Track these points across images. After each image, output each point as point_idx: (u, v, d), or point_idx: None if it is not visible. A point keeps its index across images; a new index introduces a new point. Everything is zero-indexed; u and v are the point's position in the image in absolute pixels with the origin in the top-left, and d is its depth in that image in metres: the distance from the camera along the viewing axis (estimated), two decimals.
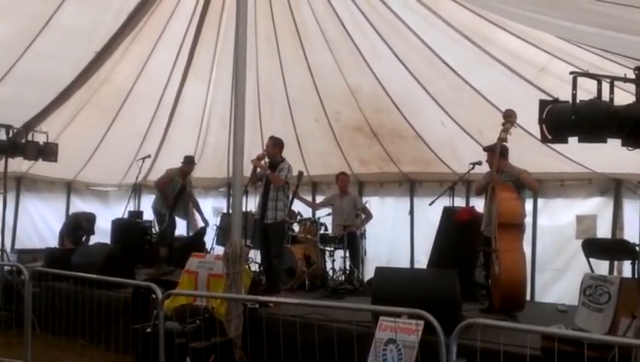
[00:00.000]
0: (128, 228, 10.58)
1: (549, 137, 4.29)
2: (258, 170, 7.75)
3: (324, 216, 9.52)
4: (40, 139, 8.72)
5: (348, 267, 8.71)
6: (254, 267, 9.02)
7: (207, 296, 6.29)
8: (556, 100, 4.34)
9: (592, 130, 3.98)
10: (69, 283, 7.10)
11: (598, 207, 8.27)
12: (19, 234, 10.92)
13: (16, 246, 10.55)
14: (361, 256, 8.98)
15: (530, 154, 7.57)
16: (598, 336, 4.12)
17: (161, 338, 4.87)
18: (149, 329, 5.34)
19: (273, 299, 6.46)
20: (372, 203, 9.64)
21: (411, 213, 9.93)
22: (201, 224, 10.72)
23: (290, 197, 8.33)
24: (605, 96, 3.96)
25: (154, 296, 5.12)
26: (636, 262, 5.63)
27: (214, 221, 10.83)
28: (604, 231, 8.02)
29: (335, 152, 10.41)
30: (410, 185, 10.24)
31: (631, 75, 3.98)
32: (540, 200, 8.75)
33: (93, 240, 10.60)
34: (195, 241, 10.52)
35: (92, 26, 7.87)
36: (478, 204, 7.52)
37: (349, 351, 4.63)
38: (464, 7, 6.83)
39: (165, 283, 7.13)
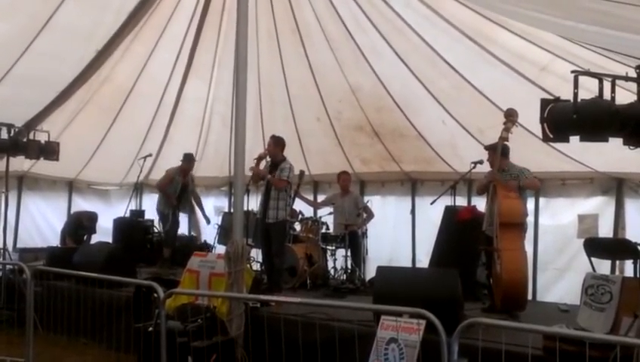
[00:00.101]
0: (130, 227, 10.60)
1: (551, 136, 4.28)
2: (261, 167, 7.76)
3: (326, 215, 9.52)
4: (41, 138, 8.74)
5: (349, 266, 8.72)
6: (256, 266, 9.04)
7: (209, 295, 6.29)
8: (558, 99, 4.33)
9: (594, 129, 3.97)
10: (70, 282, 7.09)
11: (599, 206, 8.27)
12: (21, 233, 10.92)
13: (18, 245, 10.56)
14: (362, 255, 8.98)
15: (531, 153, 7.57)
16: (600, 336, 4.11)
17: (162, 337, 4.86)
18: (150, 328, 5.34)
19: (275, 298, 6.48)
20: (373, 202, 9.66)
21: (413, 212, 9.92)
22: (202, 222, 10.70)
23: (292, 196, 8.33)
24: (607, 95, 3.95)
25: (155, 295, 5.11)
26: (638, 261, 5.61)
27: (216, 220, 10.83)
28: (605, 230, 8.01)
29: (336, 151, 10.41)
30: (412, 185, 10.24)
31: (632, 73, 3.97)
32: (541, 200, 8.75)
33: (95, 239, 10.61)
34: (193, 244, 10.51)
35: (92, 25, 7.88)
36: (480, 203, 7.52)
37: (351, 350, 4.62)
38: (465, 6, 6.82)
39: (167, 282, 7.14)
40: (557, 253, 8.50)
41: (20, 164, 9.97)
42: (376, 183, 10.69)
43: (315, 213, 10.10)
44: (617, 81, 3.99)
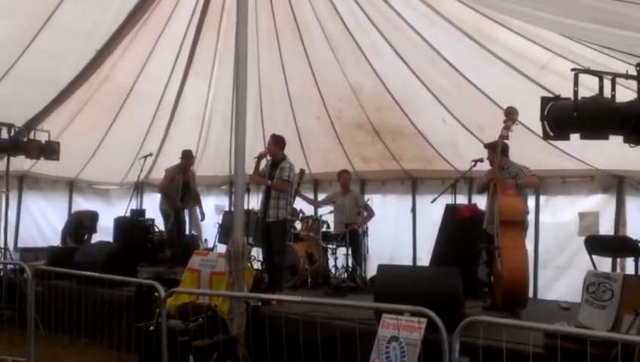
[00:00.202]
0: (131, 227, 10.60)
1: (551, 134, 4.29)
2: (261, 167, 7.76)
3: (326, 213, 9.52)
4: (42, 137, 8.74)
5: (350, 265, 8.72)
6: (257, 265, 9.03)
7: (210, 294, 6.30)
8: (558, 97, 4.34)
9: (594, 126, 3.98)
10: (71, 282, 7.10)
11: (600, 203, 8.27)
12: (21, 233, 10.94)
13: (19, 245, 10.57)
14: (363, 254, 8.98)
15: (531, 151, 7.57)
16: (601, 333, 4.10)
17: (163, 336, 4.87)
18: (151, 328, 5.35)
19: (276, 296, 6.48)
20: (374, 200, 9.67)
21: (413, 210, 9.93)
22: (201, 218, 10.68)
23: (293, 195, 8.33)
24: (607, 93, 3.96)
25: (156, 294, 5.12)
26: (639, 259, 5.62)
27: (216, 219, 10.83)
28: (606, 228, 8.01)
29: (337, 150, 10.41)
30: (412, 183, 10.24)
31: (633, 71, 3.98)
32: (542, 198, 8.75)
33: (96, 238, 10.60)
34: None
35: (92, 24, 7.88)
36: (481, 202, 7.52)
37: (352, 348, 4.63)
38: (465, 5, 6.82)
39: (168, 281, 7.14)
40: (558, 251, 8.50)
41: (20, 163, 9.98)
42: (377, 182, 10.69)
43: (315, 211, 10.11)
44: (617, 79, 4.00)
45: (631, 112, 3.89)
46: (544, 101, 4.31)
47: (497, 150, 6.44)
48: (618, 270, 7.25)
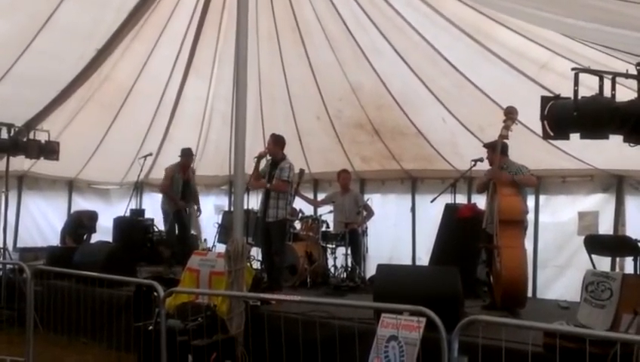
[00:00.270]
0: (130, 227, 10.58)
1: (551, 134, 4.29)
2: (261, 166, 7.77)
3: (326, 213, 9.52)
4: (41, 137, 8.74)
5: (350, 264, 8.72)
6: (256, 264, 9.03)
7: (209, 294, 6.30)
8: (558, 97, 4.34)
9: (594, 126, 3.98)
10: (70, 282, 7.09)
11: (599, 203, 8.27)
12: (21, 233, 10.93)
13: (19, 245, 10.57)
14: (362, 254, 8.98)
15: (531, 150, 7.57)
16: (601, 333, 4.10)
17: (162, 336, 4.87)
18: (150, 327, 5.35)
19: (275, 296, 6.49)
20: (374, 200, 9.66)
21: (413, 210, 9.93)
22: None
23: (292, 194, 8.32)
24: (607, 93, 3.96)
25: (156, 293, 5.12)
26: (638, 258, 5.63)
27: (216, 219, 10.83)
28: (606, 227, 8.02)
29: (337, 150, 10.41)
30: (412, 183, 10.24)
31: (633, 71, 3.98)
32: (541, 197, 8.76)
33: (95, 238, 10.61)
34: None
35: (92, 23, 7.87)
36: (480, 201, 7.52)
37: (351, 348, 4.63)
38: (465, 5, 6.82)
39: (167, 281, 7.15)
40: (557, 250, 8.50)
41: (20, 163, 9.97)
42: (377, 181, 10.69)
43: (315, 211, 10.10)
44: (618, 79, 4.00)
45: (631, 112, 3.89)
46: (544, 100, 4.31)
47: (497, 150, 6.44)
48: (617, 269, 7.27)
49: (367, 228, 9.26)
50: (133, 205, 11.22)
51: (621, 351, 3.50)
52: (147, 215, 11.50)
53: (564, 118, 4.09)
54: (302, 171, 9.16)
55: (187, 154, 9.73)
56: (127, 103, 10.13)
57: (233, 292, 5.71)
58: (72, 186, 12.04)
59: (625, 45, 5.26)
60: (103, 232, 10.80)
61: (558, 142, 7.00)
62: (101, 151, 11.01)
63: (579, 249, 6.97)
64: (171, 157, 10.18)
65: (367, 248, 9.15)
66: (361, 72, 8.87)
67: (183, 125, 11.16)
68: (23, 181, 11.11)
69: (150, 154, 10.65)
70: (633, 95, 3.98)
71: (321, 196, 10.66)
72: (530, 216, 7.50)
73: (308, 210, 9.88)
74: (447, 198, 8.09)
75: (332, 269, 9.07)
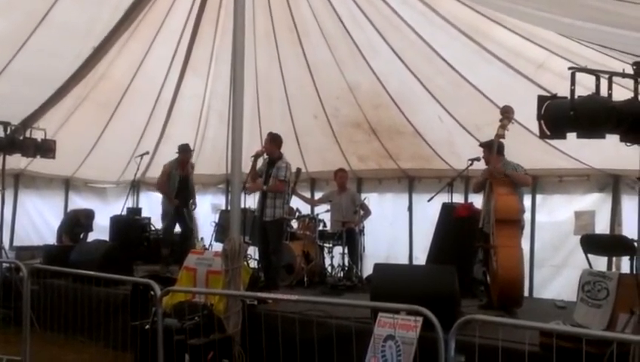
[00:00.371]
0: (127, 225, 10.57)
1: (548, 133, 4.29)
2: (258, 165, 7.77)
3: (323, 212, 9.52)
4: (38, 135, 8.73)
5: (347, 263, 8.72)
6: (253, 264, 9.02)
7: (206, 293, 6.29)
8: (554, 96, 4.34)
9: (591, 125, 3.98)
10: (67, 281, 7.09)
11: (596, 202, 8.28)
12: (17, 231, 10.91)
13: (15, 244, 10.54)
14: (359, 253, 8.98)
15: (528, 150, 7.57)
16: (597, 332, 4.11)
17: (159, 335, 4.86)
18: (147, 326, 5.34)
19: (272, 295, 6.48)
20: (371, 199, 9.66)
21: (410, 209, 9.94)
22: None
23: (289, 194, 8.32)
24: (604, 92, 3.96)
25: (152, 292, 5.11)
26: (634, 257, 5.63)
27: (213, 217, 10.82)
28: (602, 227, 8.03)
29: (334, 149, 10.40)
30: (409, 182, 10.24)
31: (629, 70, 3.99)
32: (538, 197, 8.76)
33: (92, 237, 10.58)
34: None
35: (89, 21, 7.85)
36: (477, 200, 7.52)
37: (348, 347, 4.64)
38: (462, 3, 6.82)
39: (164, 279, 7.14)
40: (554, 250, 8.50)
41: (16, 162, 9.96)
42: (374, 180, 10.68)
43: (312, 210, 10.09)
44: (614, 78, 4.00)
45: (627, 111, 3.90)
46: (541, 100, 4.31)
47: (493, 149, 6.44)
48: (614, 269, 7.27)
49: (364, 227, 9.25)
50: (129, 204, 11.22)
51: (617, 351, 3.51)
52: (144, 214, 11.47)
53: (560, 117, 4.09)
54: (299, 170, 9.16)
55: (185, 150, 9.67)
56: (124, 102, 10.11)
57: (230, 292, 5.71)
58: (68, 185, 12.01)
59: (622, 45, 5.27)
60: (100, 231, 10.78)
61: (555, 142, 7.01)
62: (98, 149, 10.99)
63: (575, 248, 6.97)
64: (168, 155, 10.16)
65: (364, 247, 9.14)
66: (358, 70, 8.87)
67: (179, 123, 11.14)
68: (20, 179, 11.08)
69: (147, 153, 10.61)
70: (630, 94, 3.98)
71: (318, 195, 10.65)
72: (527, 216, 7.50)
73: (305, 209, 9.87)
74: (444, 197, 8.10)
75: (329, 268, 9.06)
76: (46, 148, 8.69)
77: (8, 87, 8.19)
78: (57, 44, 7.90)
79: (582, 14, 4.97)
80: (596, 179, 8.31)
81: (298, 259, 8.48)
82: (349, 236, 8.80)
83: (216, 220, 10.48)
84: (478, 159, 7.18)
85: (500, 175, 6.46)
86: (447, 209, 7.98)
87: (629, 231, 7.26)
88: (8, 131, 8.43)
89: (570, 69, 4.05)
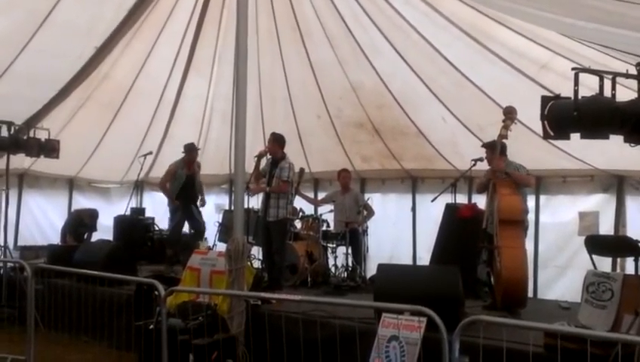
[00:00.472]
0: (130, 225, 10.59)
1: (551, 134, 4.28)
2: (261, 165, 7.77)
3: (326, 212, 9.51)
4: (42, 135, 8.72)
5: (350, 264, 8.71)
6: (257, 264, 9.03)
7: (210, 293, 6.30)
8: (558, 97, 4.33)
9: (594, 126, 3.97)
10: (71, 280, 7.09)
11: (600, 203, 8.26)
12: (21, 231, 10.95)
13: (19, 243, 10.58)
14: (363, 253, 8.97)
15: (531, 150, 7.57)
16: (601, 333, 4.10)
17: (163, 335, 4.87)
18: (151, 326, 5.35)
19: (275, 295, 6.47)
20: (374, 199, 9.66)
21: (413, 209, 9.93)
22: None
23: (293, 194, 8.32)
24: (607, 93, 3.95)
25: (156, 292, 5.12)
26: (639, 258, 5.62)
27: (217, 218, 10.82)
28: (606, 227, 8.01)
29: (337, 149, 10.41)
30: (412, 182, 10.24)
31: (633, 71, 3.97)
32: (542, 197, 8.76)
33: (96, 236, 10.60)
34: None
35: (92, 21, 7.86)
36: (480, 201, 7.51)
37: (352, 347, 4.63)
38: (465, 4, 6.82)
39: (168, 279, 7.14)
40: (558, 251, 8.49)
41: (20, 161, 9.98)
42: (377, 181, 10.68)
43: (315, 210, 10.09)
44: (618, 79, 3.99)
45: (631, 112, 3.89)
46: (544, 100, 4.30)
47: (496, 150, 6.43)
48: (618, 270, 7.25)
49: (367, 227, 9.25)
50: (133, 204, 11.24)
51: (622, 352, 3.50)
52: (148, 213, 11.50)
53: (564, 117, 4.08)
54: (302, 170, 9.15)
55: (191, 149, 9.55)
56: (127, 102, 10.13)
57: (234, 292, 5.72)
58: (72, 185, 12.04)
59: (625, 45, 5.26)
60: (104, 231, 10.79)
61: (559, 142, 6.99)
62: (101, 149, 11.02)
63: (579, 249, 6.95)
64: (171, 155, 10.17)
65: (367, 247, 9.14)
66: (361, 71, 8.87)
67: (183, 124, 11.16)
68: (24, 179, 11.12)
69: (150, 153, 10.64)
70: (633, 95, 3.97)
71: (321, 195, 10.65)
72: (531, 216, 7.50)
73: (308, 209, 9.87)
74: (447, 198, 8.07)
75: (332, 268, 9.06)
76: (50, 148, 8.70)
77: (11, 87, 8.22)
78: (60, 43, 7.91)
79: (584, 14, 4.97)
80: (600, 179, 8.30)
81: (302, 259, 8.47)
82: (353, 236, 8.79)
83: (220, 220, 10.47)
84: (481, 159, 7.16)
85: (501, 175, 6.46)
86: (450, 209, 7.96)
87: (633, 231, 7.28)
88: (12, 131, 8.43)
89: (573, 69, 4.05)
